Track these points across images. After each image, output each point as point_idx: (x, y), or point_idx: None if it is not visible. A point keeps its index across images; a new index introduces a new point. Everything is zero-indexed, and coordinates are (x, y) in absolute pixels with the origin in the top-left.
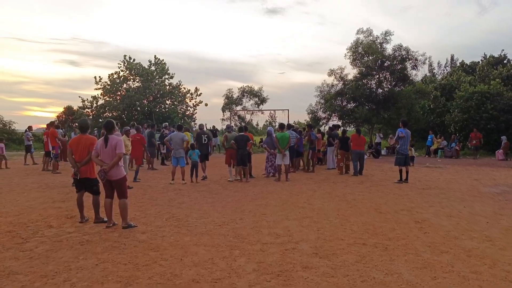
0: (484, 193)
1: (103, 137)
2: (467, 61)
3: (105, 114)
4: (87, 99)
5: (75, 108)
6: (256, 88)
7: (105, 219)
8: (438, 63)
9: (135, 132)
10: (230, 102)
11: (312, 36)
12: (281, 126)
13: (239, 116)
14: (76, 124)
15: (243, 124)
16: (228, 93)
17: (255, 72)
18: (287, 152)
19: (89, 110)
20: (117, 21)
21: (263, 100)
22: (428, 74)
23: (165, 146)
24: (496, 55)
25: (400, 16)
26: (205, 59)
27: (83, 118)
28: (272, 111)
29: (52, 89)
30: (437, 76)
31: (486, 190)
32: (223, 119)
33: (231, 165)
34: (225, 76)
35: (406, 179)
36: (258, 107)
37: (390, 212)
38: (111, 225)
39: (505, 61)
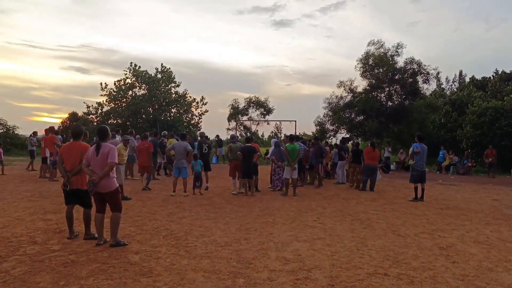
0: (509, 215)
1: (95, 144)
2: (477, 77)
3: (110, 121)
4: (92, 105)
5: (80, 114)
6: (262, 98)
7: (96, 235)
8: (446, 78)
9: (140, 139)
10: (236, 112)
11: (319, 49)
12: (291, 137)
13: (244, 127)
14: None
15: (249, 134)
16: (234, 103)
17: (262, 83)
18: (296, 165)
19: (93, 117)
20: (127, 29)
21: (269, 111)
22: (437, 89)
23: (165, 155)
24: (507, 71)
25: (408, 31)
26: (213, 69)
27: (76, 124)
28: (278, 122)
29: (60, 95)
30: (445, 91)
31: (510, 213)
32: (228, 129)
33: (235, 177)
34: (232, 87)
35: (422, 197)
36: (264, 118)
37: (410, 235)
38: (102, 242)
39: None
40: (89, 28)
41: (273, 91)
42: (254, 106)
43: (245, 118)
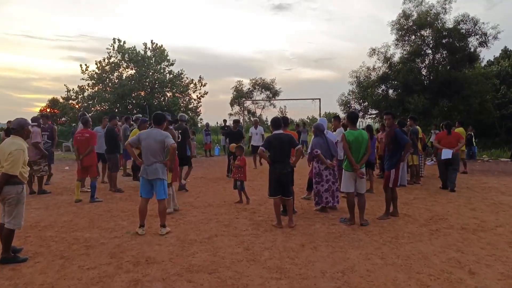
0: None
1: None
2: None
3: (95, 107)
4: (72, 89)
5: (61, 100)
6: (268, 80)
7: None
8: None
9: (82, 127)
10: (239, 96)
11: (318, 32)
12: (352, 116)
13: (248, 111)
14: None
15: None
16: (238, 85)
17: (262, 68)
18: (363, 169)
19: (74, 102)
20: (124, 18)
21: (275, 94)
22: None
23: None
24: None
25: None
26: (211, 55)
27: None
28: (283, 106)
29: (59, 86)
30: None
31: None
32: (230, 114)
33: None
34: (232, 72)
35: None
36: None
37: None
38: None
39: None
40: (86, 17)
41: (273, 76)
42: (259, 89)
43: (249, 102)
